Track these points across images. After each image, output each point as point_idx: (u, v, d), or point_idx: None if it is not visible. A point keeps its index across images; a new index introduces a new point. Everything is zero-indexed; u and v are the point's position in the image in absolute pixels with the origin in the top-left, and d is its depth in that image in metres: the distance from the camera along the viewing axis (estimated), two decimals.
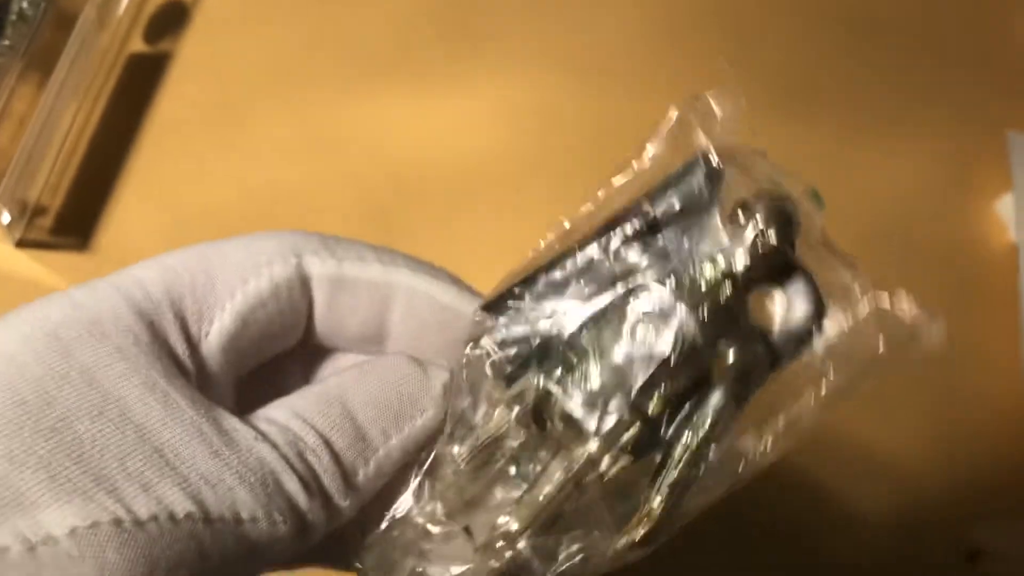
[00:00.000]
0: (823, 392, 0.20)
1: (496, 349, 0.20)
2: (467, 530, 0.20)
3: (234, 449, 0.17)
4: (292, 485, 0.18)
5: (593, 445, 0.19)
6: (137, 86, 0.46)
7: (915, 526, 0.43)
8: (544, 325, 0.20)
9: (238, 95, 0.46)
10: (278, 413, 0.19)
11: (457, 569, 0.20)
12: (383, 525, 0.20)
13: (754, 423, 0.20)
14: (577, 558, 0.20)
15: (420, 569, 0.20)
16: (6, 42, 0.42)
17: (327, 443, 0.19)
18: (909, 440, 0.45)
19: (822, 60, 0.51)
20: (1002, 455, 0.45)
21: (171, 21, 0.48)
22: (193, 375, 0.19)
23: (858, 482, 0.44)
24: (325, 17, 0.49)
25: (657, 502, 0.19)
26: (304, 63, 0.48)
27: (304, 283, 0.20)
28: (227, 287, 0.19)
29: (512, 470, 0.20)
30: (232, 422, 0.18)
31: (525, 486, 0.20)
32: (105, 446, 0.16)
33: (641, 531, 0.19)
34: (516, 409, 0.20)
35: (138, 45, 0.47)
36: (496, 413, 0.20)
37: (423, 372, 0.21)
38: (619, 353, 0.19)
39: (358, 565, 0.21)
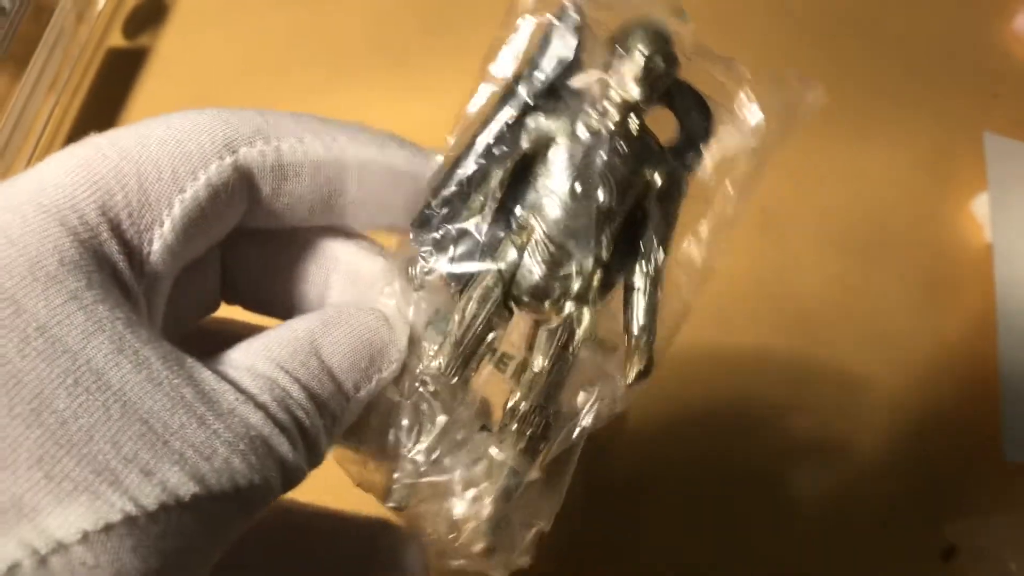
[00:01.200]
0: (731, 189, 0.21)
1: (434, 262, 0.20)
2: (483, 427, 0.21)
3: (218, 414, 0.16)
4: (283, 446, 0.17)
5: (568, 307, 0.20)
6: (116, 80, 0.46)
7: (890, 523, 0.43)
8: (474, 222, 0.20)
9: (217, 90, 0.46)
10: (259, 362, 0.18)
11: (485, 465, 0.21)
12: (401, 468, 0.21)
13: (683, 234, 0.21)
14: (593, 409, 0.20)
15: (455, 482, 0.21)
16: None
17: (312, 396, 0.18)
18: (884, 438, 0.45)
19: (795, 61, 0.51)
20: (978, 453, 0.45)
21: (150, 16, 0.48)
22: (142, 302, 0.17)
23: (833, 480, 0.44)
24: (305, 10, 0.49)
25: (638, 329, 0.20)
26: (283, 57, 0.48)
27: (245, 178, 0.19)
28: (163, 198, 0.17)
29: (502, 366, 0.21)
30: (207, 378, 0.17)
31: (514, 369, 0.21)
32: (92, 426, 0.14)
33: (638, 363, 0.20)
34: (487, 302, 0.20)
35: (117, 40, 0.47)
36: (467, 311, 0.20)
37: (390, 327, 0.20)
38: (558, 214, 0.20)
39: (391, 504, 0.21)
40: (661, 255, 0.20)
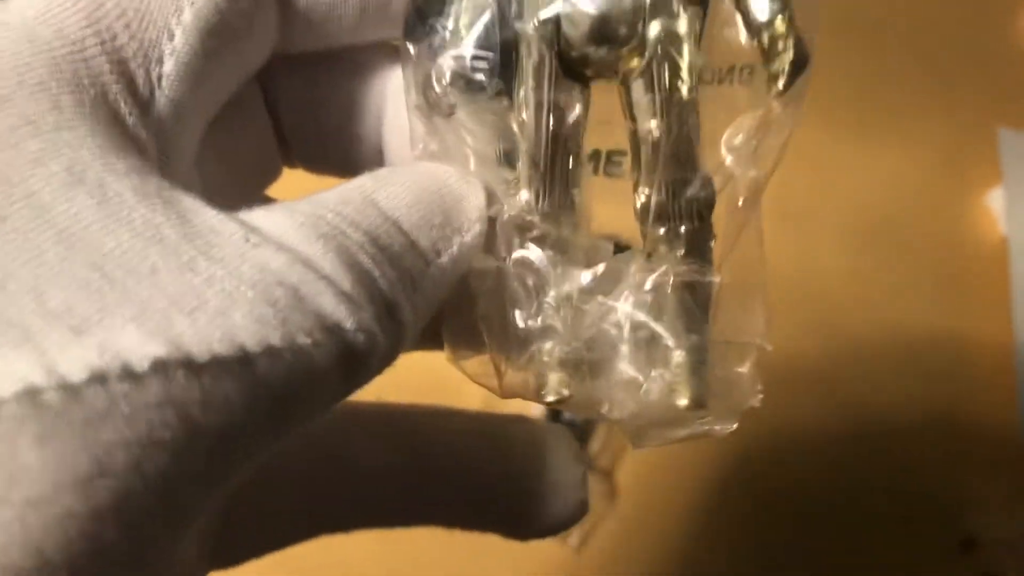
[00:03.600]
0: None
1: (460, 60, 0.15)
2: (619, 248, 0.16)
3: (215, 258, 0.12)
4: (325, 298, 0.12)
5: (654, 30, 0.15)
6: None
7: (909, 515, 0.43)
8: None
9: None
10: (297, 208, 0.13)
11: (644, 297, 0.15)
12: (540, 348, 0.16)
13: None
14: (750, 144, 0.15)
15: (615, 336, 0.16)
16: None
17: (375, 241, 0.13)
18: (903, 430, 0.45)
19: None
20: (996, 445, 0.45)
21: None
22: (151, 146, 0.13)
23: (851, 472, 0.44)
24: None
25: (767, 12, 0.15)
26: None
27: None
28: (168, 2, 0.14)
29: (613, 167, 0.16)
30: (207, 219, 0.12)
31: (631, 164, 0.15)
32: (8, 270, 0.11)
33: (788, 54, 0.15)
34: (542, 77, 0.15)
35: None
36: (524, 107, 0.15)
37: (461, 179, 0.15)
38: None
39: (549, 398, 0.16)
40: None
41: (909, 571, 0.42)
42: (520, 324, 0.16)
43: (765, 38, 0.15)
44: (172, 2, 0.14)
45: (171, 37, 0.14)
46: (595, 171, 0.16)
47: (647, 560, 0.40)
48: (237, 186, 0.17)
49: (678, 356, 0.15)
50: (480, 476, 0.18)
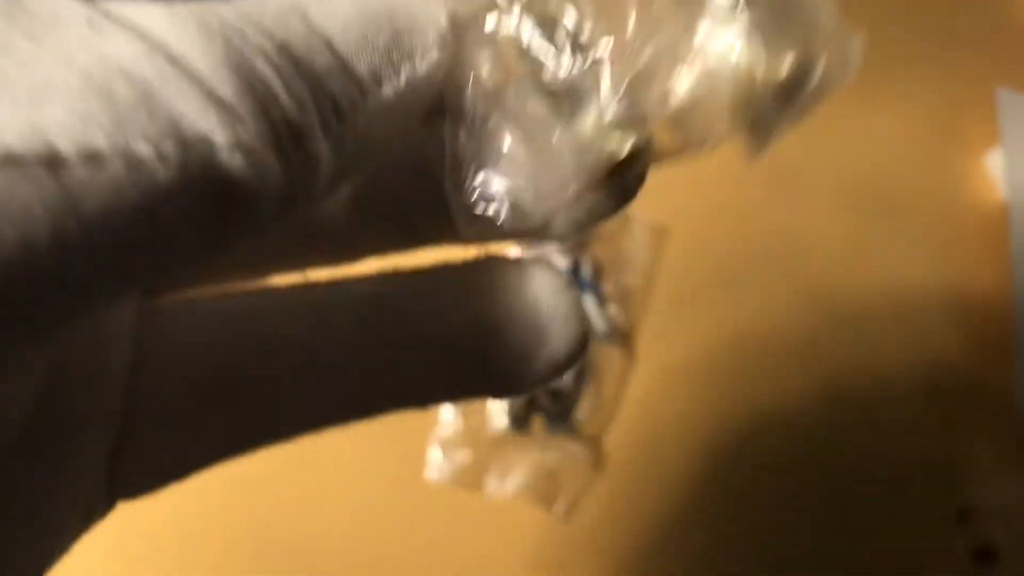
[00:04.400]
0: None
1: None
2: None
3: (39, 39, 0.09)
4: (186, 99, 0.09)
5: None
6: None
7: (905, 486, 0.42)
8: None
9: None
10: (181, 3, 0.10)
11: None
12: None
13: None
14: None
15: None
16: None
17: (285, 53, 0.10)
18: (898, 398, 0.44)
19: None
20: (993, 412, 0.44)
21: None
22: None
23: (848, 440, 0.43)
24: None
25: None
26: None
27: None
28: None
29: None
30: (52, 1, 0.09)
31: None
32: None
33: None
34: None
35: None
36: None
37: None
38: None
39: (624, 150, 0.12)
40: None
41: (906, 540, 0.41)
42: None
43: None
44: None
45: None
46: None
47: (635, 530, 0.39)
48: None
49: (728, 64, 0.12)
50: (450, 326, 0.15)
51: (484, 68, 0.12)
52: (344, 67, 0.11)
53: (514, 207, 0.12)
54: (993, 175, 0.48)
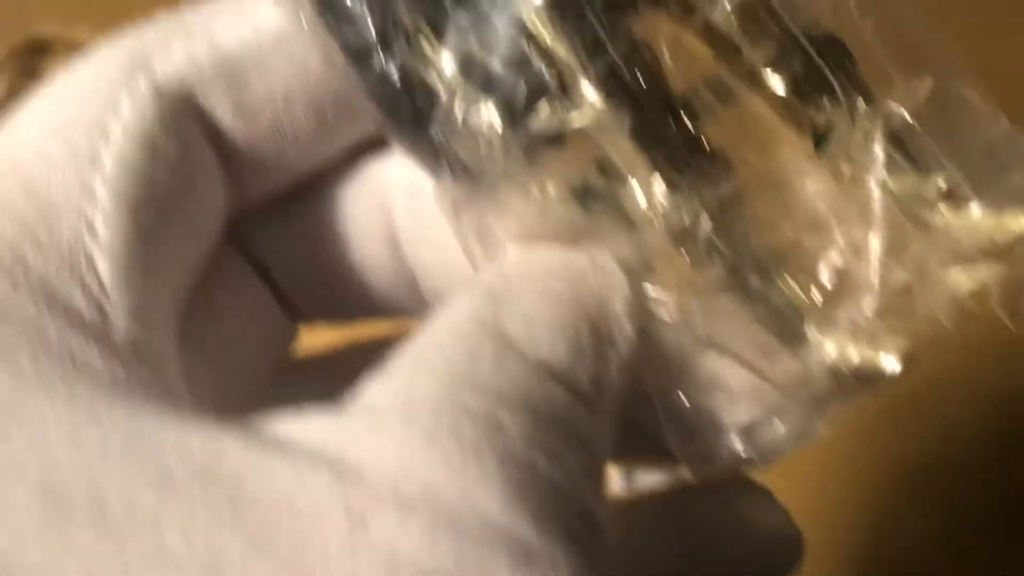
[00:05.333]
0: None
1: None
2: (820, 142, 0.12)
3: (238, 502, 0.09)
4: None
5: None
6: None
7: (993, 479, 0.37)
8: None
9: None
10: (398, 404, 0.10)
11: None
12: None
13: None
14: None
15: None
16: None
17: (537, 416, 0.09)
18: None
19: None
20: None
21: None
22: (112, 361, 0.10)
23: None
24: None
25: None
26: None
27: (183, 105, 0.12)
28: (74, 190, 0.11)
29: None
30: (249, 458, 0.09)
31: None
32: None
33: None
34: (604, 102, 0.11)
35: None
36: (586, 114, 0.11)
37: (592, 262, 0.11)
38: None
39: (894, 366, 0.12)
40: None
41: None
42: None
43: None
44: (77, 184, 0.11)
45: (92, 230, 0.11)
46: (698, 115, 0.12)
47: None
48: (246, 377, 0.15)
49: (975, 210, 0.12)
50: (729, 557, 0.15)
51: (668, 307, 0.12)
52: (574, 393, 0.10)
53: (763, 451, 0.12)
54: None
